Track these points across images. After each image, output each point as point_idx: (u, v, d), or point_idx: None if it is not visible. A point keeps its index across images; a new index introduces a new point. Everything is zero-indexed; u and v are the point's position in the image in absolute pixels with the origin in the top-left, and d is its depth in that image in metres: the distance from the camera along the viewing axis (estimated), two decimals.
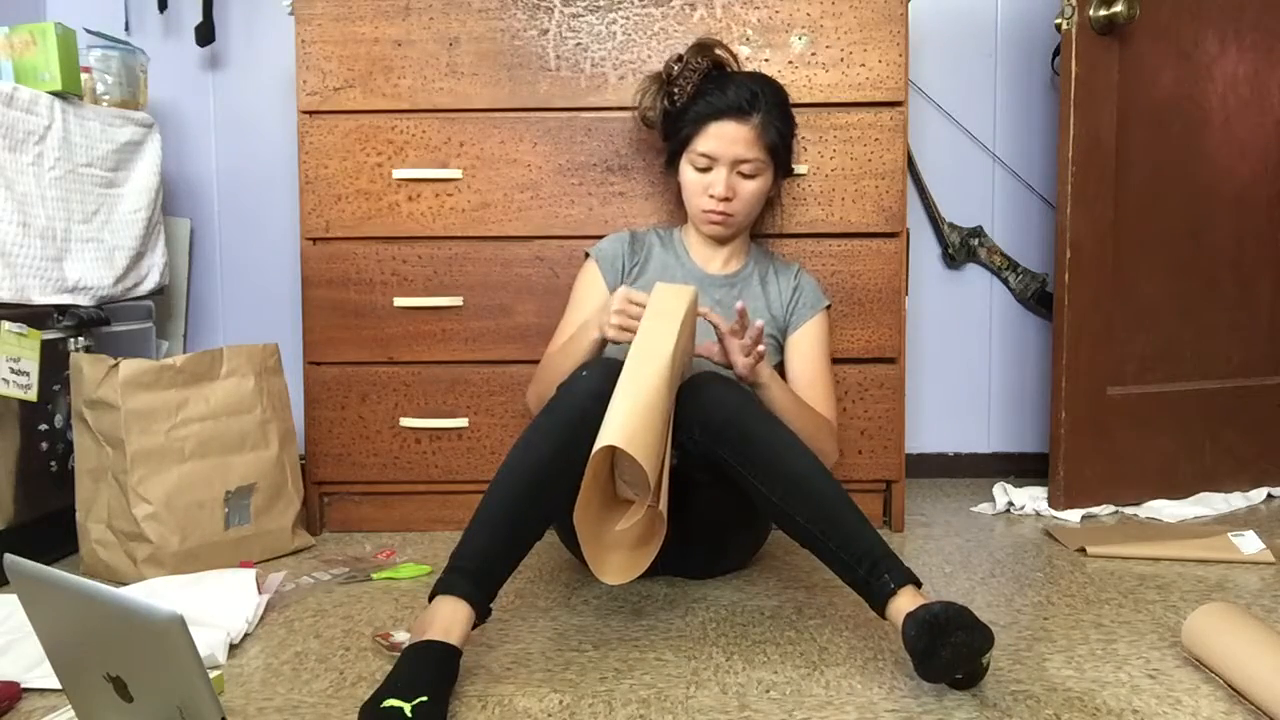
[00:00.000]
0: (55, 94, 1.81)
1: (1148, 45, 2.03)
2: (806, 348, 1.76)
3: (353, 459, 1.95)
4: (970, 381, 2.45)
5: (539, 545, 1.35)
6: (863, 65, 1.90)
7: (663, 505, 1.29)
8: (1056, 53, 2.14)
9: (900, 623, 1.21)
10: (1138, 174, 2.06)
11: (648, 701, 1.20)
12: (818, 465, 1.37)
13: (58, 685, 1.04)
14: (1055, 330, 2.05)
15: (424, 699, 1.10)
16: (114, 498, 1.67)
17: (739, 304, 1.46)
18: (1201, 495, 2.15)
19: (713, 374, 1.48)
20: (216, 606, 1.44)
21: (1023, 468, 2.41)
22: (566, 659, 1.34)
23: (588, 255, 1.78)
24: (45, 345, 1.75)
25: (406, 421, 1.94)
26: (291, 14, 1.91)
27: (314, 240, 1.93)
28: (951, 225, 2.39)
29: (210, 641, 1.32)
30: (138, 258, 2.03)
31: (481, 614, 1.26)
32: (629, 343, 1.36)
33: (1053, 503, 2.07)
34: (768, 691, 1.23)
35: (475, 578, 1.27)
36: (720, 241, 1.77)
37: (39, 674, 1.24)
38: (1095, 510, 2.07)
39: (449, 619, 1.23)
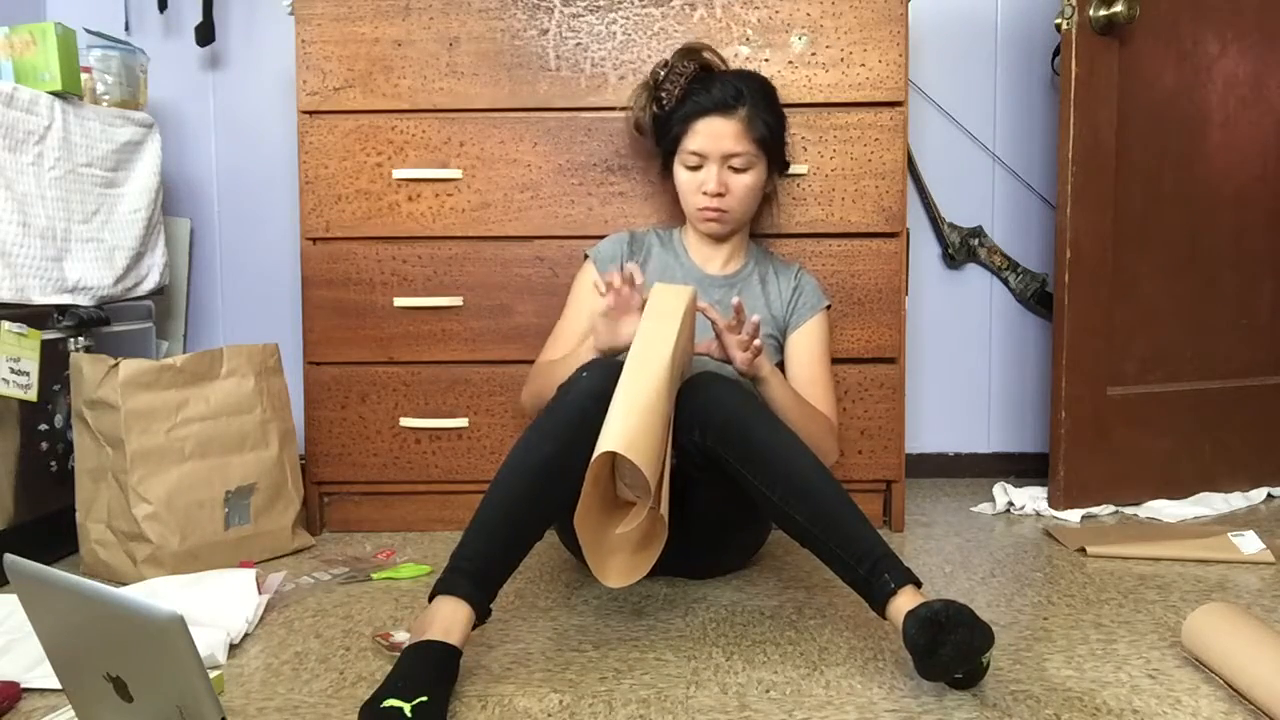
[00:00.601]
0: (55, 94, 1.81)
1: (1148, 45, 2.03)
2: (807, 347, 1.77)
3: (353, 459, 1.95)
4: (970, 381, 2.45)
5: (539, 545, 1.35)
6: (863, 65, 1.90)
7: (663, 508, 1.29)
8: (1056, 53, 2.14)
9: (901, 622, 1.22)
10: (1138, 174, 2.06)
11: (648, 701, 1.20)
12: (818, 465, 1.37)
13: (58, 685, 1.03)
14: (1055, 330, 2.05)
15: (424, 699, 1.10)
16: (114, 498, 1.67)
17: (735, 299, 1.46)
18: (1201, 495, 2.15)
19: (713, 374, 1.48)
20: (216, 606, 1.44)
21: (1023, 468, 2.41)
22: (566, 659, 1.34)
23: (586, 256, 1.78)
24: (45, 345, 1.75)
25: (406, 421, 1.94)
26: (291, 14, 1.91)
27: (314, 240, 1.93)
28: (951, 225, 2.39)
29: (210, 641, 1.32)
30: (138, 258, 2.03)
31: (481, 614, 1.26)
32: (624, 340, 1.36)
33: (1053, 503, 2.07)
34: (768, 691, 1.23)
35: (475, 578, 1.27)
36: (719, 240, 1.77)
37: (39, 674, 1.24)
38: (1095, 510, 2.07)
39: (449, 619, 1.23)
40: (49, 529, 1.77)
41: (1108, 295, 2.05)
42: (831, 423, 1.71)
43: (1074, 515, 2.03)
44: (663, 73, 1.72)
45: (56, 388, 1.79)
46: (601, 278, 1.52)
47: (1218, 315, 2.18)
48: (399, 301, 1.92)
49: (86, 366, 1.67)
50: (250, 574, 1.54)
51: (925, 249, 2.41)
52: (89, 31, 2.03)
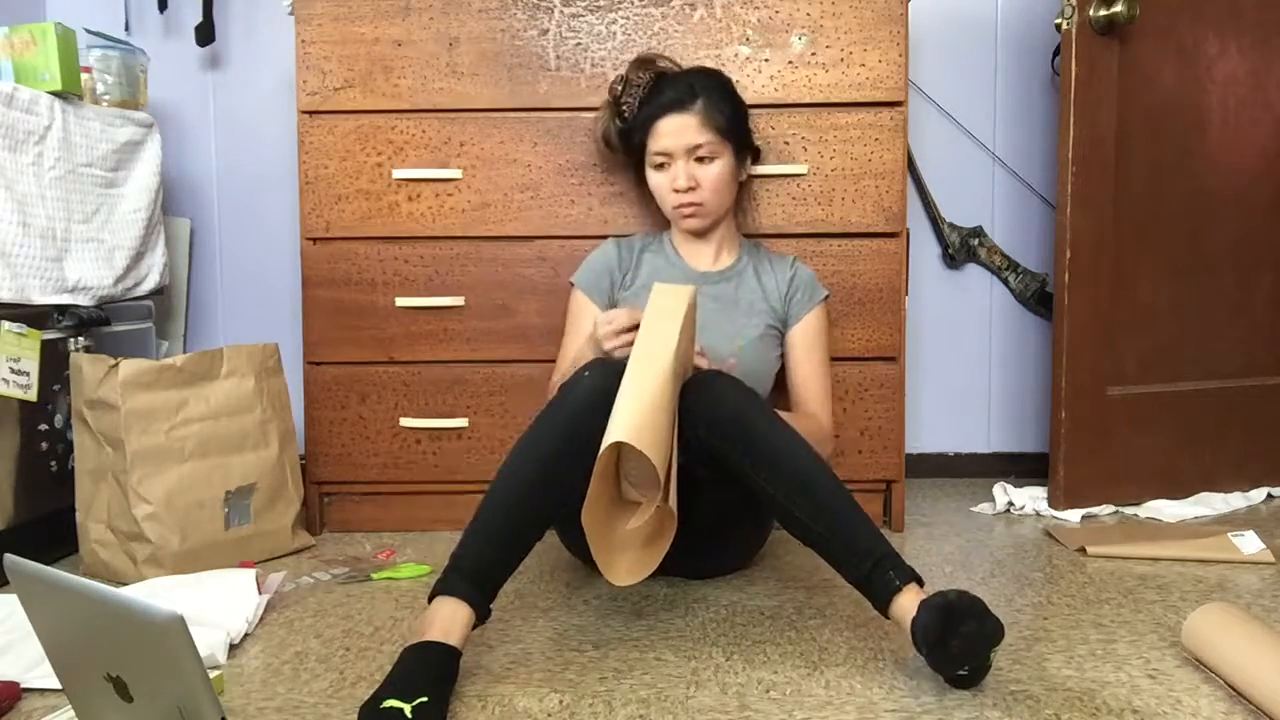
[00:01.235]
0: (55, 94, 1.81)
1: (1148, 45, 2.03)
2: (806, 341, 1.79)
3: (353, 459, 1.95)
4: (970, 381, 2.45)
5: (539, 545, 1.35)
6: (863, 65, 1.90)
7: (672, 501, 1.29)
8: (1056, 53, 2.14)
9: (904, 620, 1.22)
10: (1138, 174, 2.06)
11: (648, 701, 1.20)
12: (821, 464, 1.37)
13: (58, 685, 1.03)
14: (1055, 330, 2.05)
15: (424, 699, 1.10)
16: (114, 498, 1.67)
17: (701, 359, 1.49)
18: (1201, 495, 2.15)
19: (717, 372, 1.48)
20: (216, 606, 1.44)
21: (1023, 468, 2.41)
22: (566, 659, 1.34)
23: (573, 285, 1.80)
24: (45, 345, 1.75)
25: (406, 421, 1.94)
26: (291, 14, 1.91)
27: (314, 240, 1.93)
28: (951, 225, 2.39)
29: (210, 641, 1.32)
30: (138, 258, 2.03)
31: (481, 615, 1.26)
32: (629, 346, 1.36)
33: (1053, 503, 2.07)
34: (768, 691, 1.23)
35: (475, 578, 1.27)
36: (702, 234, 1.79)
37: (39, 674, 1.24)
38: (1095, 510, 2.07)
39: (449, 620, 1.23)
40: (49, 529, 1.77)
41: (1108, 295, 2.05)
42: (824, 427, 1.73)
43: (1074, 515, 2.03)
44: (620, 87, 1.77)
45: (56, 388, 1.79)
46: (607, 325, 1.51)
47: (1217, 315, 2.18)
48: (400, 301, 1.92)
49: (86, 366, 1.67)
50: (250, 574, 1.54)
51: (925, 249, 2.41)
52: (89, 31, 2.03)
